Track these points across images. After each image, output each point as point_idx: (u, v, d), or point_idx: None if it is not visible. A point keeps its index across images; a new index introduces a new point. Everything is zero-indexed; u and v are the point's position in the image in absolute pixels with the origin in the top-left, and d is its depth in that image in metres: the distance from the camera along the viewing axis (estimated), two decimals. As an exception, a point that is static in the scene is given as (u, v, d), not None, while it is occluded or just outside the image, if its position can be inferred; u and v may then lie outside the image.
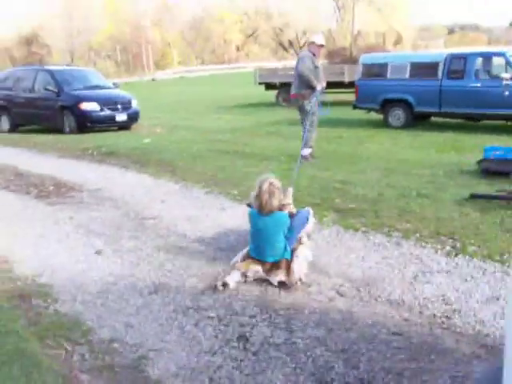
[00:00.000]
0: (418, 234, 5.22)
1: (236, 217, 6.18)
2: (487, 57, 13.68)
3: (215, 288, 4.28)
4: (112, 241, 5.60)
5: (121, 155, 10.67)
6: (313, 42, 9.29)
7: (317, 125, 9.49)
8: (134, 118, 16.02)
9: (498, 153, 8.19)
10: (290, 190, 5.42)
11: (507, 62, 12.62)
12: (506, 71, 12.54)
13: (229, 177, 8.22)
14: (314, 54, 9.19)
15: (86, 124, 15.11)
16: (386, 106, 14.29)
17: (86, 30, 68.41)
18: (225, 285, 4.28)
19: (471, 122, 13.74)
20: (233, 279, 4.35)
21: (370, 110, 15.07)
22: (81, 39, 69.51)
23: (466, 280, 4.19)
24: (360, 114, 15.52)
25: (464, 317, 3.65)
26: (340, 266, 4.63)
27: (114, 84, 17.83)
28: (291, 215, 4.84)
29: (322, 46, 9.37)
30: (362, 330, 3.54)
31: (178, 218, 6.32)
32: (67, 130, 15.19)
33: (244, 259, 4.58)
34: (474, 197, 6.15)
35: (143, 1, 78.17)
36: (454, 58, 13.48)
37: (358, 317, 3.73)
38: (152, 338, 3.58)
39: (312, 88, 9.00)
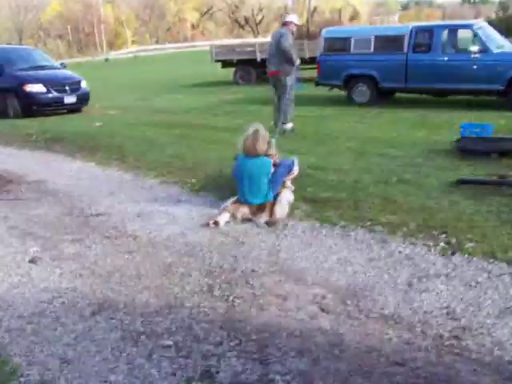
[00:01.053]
0: (405, 228, 4.52)
1: (194, 211, 5.43)
2: (454, 29, 13.07)
3: (207, 226, 4.87)
4: (51, 245, 4.77)
5: (68, 141, 9.76)
6: (292, 22, 9.57)
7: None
8: (83, 99, 15.01)
9: (475, 130, 7.63)
10: (273, 141, 5.51)
11: (475, 35, 12.08)
12: (474, 44, 12.01)
13: (186, 163, 7.41)
14: (292, 33, 9.53)
15: (31, 107, 14.07)
16: (350, 82, 13.63)
17: (34, 7, 65.75)
18: (216, 223, 4.86)
19: (437, 98, 13.21)
20: (223, 219, 4.94)
21: (333, 86, 14.39)
22: (29, 17, 66.79)
23: (471, 286, 3.52)
24: (323, 91, 14.82)
25: (477, 337, 2.98)
26: (319, 271, 3.90)
27: (61, 64, 16.72)
28: (275, 165, 5.28)
29: (297, 25, 9.87)
30: (355, 359, 2.85)
31: (127, 214, 5.50)
32: (11, 114, 14.10)
33: (233, 204, 5.12)
34: (462, 182, 5.48)
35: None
36: (419, 30, 12.90)
37: (348, 340, 3.03)
38: (93, 380, 2.83)
39: (292, 64, 9.33)
